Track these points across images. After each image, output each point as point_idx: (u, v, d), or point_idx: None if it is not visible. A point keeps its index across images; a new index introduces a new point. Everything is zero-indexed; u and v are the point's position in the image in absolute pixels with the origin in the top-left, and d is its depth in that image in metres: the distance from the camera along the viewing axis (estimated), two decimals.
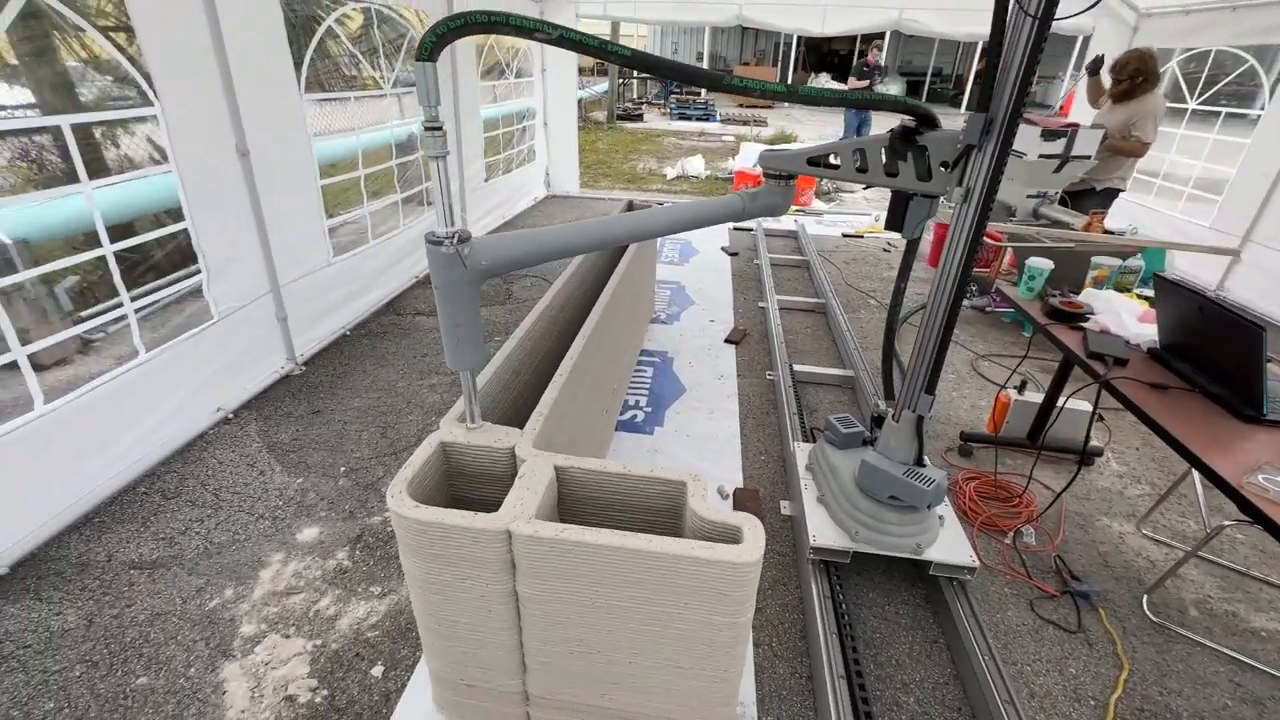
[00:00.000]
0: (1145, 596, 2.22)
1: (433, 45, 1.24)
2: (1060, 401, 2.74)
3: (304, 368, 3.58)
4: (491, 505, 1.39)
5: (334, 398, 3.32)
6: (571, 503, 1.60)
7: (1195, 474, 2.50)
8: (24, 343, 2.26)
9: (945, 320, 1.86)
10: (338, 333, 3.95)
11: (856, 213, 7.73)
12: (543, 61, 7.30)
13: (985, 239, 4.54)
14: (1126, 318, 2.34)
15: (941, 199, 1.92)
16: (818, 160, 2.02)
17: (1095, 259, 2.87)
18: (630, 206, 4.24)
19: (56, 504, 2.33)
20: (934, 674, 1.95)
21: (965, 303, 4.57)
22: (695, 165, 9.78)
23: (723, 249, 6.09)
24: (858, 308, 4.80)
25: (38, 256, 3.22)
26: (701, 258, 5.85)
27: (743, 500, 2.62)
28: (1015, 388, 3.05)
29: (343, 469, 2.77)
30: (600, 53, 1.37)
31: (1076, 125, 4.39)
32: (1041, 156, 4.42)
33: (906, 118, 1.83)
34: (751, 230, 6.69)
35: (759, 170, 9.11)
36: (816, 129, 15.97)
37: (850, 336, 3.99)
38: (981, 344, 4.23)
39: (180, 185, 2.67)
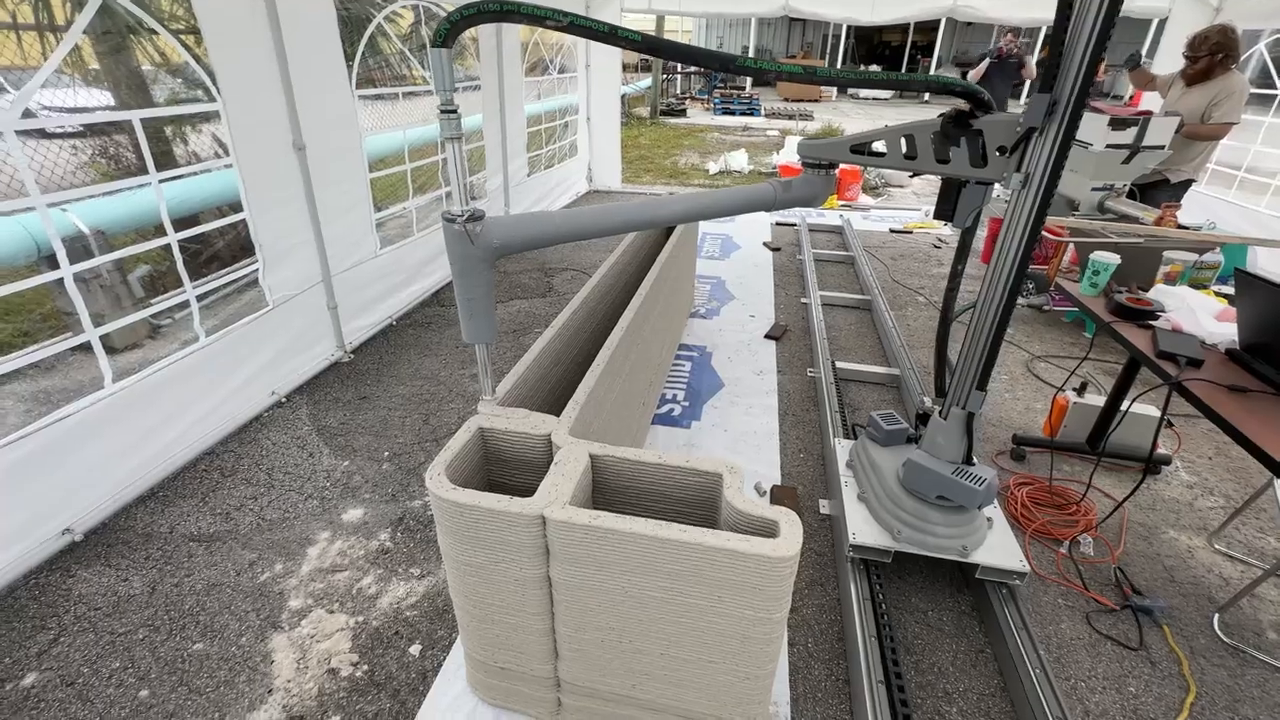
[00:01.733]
0: (1217, 615, 2.07)
1: (446, 32, 1.26)
2: (1124, 405, 2.58)
3: (352, 355, 3.71)
4: (527, 491, 1.40)
5: (380, 385, 3.42)
6: (606, 491, 1.59)
7: (1278, 485, 2.32)
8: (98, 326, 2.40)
9: (1000, 313, 1.77)
10: (384, 322, 4.07)
11: (905, 208, 7.48)
12: (587, 57, 7.33)
13: (1045, 234, 4.32)
14: (1202, 316, 2.18)
15: (998, 190, 1.83)
16: (862, 148, 1.95)
17: (1168, 254, 2.68)
18: None
19: (126, 478, 2.48)
20: (979, 685, 1.86)
21: (1021, 301, 4.38)
22: (738, 160, 9.65)
23: (764, 244, 5.99)
24: (905, 305, 4.65)
25: (114, 246, 3.44)
26: (743, 253, 5.77)
27: (780, 498, 2.57)
28: (1074, 389, 2.89)
29: (387, 454, 2.85)
30: (610, 38, 1.35)
31: (1149, 113, 4.13)
32: (1109, 147, 4.18)
33: (959, 101, 1.75)
34: (795, 225, 6.56)
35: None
36: (865, 123, 15.54)
37: (896, 334, 3.86)
38: (1038, 344, 4.03)
39: (240, 178, 2.79)
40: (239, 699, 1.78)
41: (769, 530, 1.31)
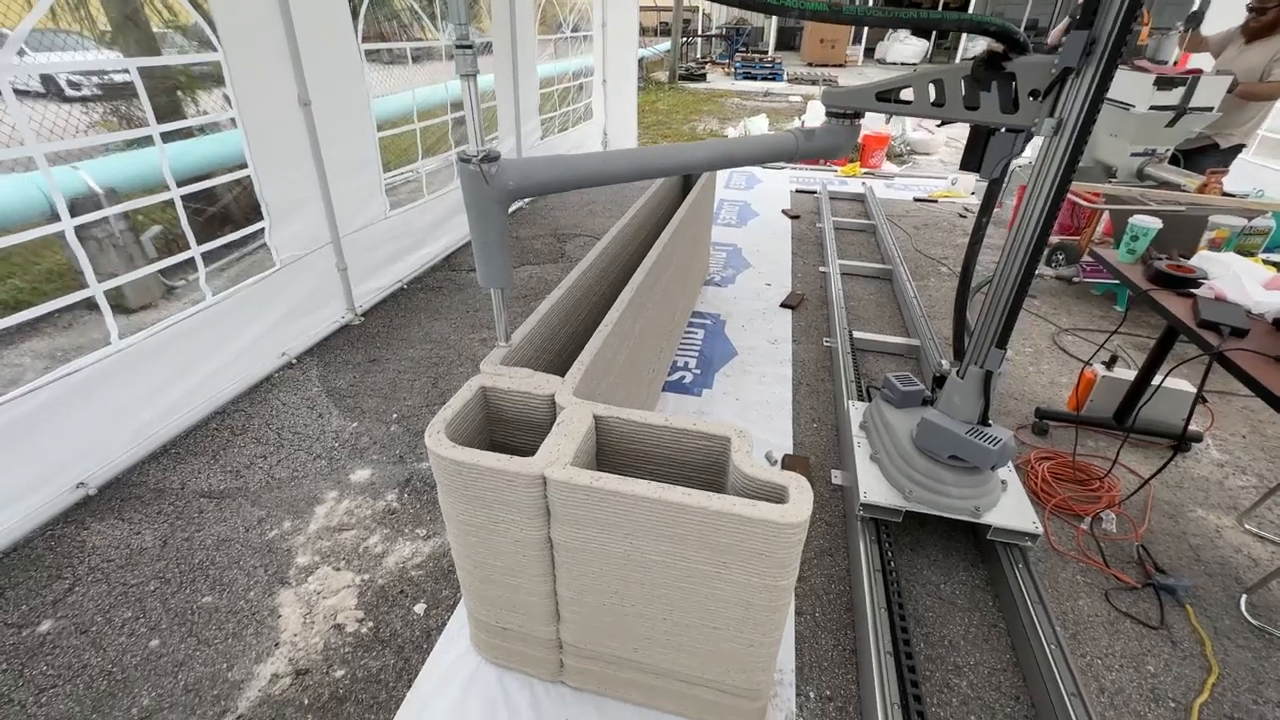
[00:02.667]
0: (1244, 596, 1.99)
1: None
2: (1157, 380, 2.47)
3: (363, 318, 3.69)
4: (530, 452, 1.36)
5: (389, 348, 3.40)
6: (610, 454, 1.55)
7: None
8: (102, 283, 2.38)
9: (1025, 265, 1.69)
10: (394, 286, 4.03)
11: (930, 176, 7.21)
12: (603, 17, 7.08)
13: (1079, 201, 4.13)
14: (1249, 284, 2.04)
15: (1026, 155, 1.71)
16: (888, 95, 1.84)
17: (1214, 219, 2.53)
18: None
19: (137, 434, 2.49)
20: (990, 659, 1.82)
21: (1049, 272, 4.22)
22: (758, 126, 9.36)
23: (783, 211, 5.82)
24: (927, 275, 4.50)
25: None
26: (760, 220, 5.62)
27: (791, 467, 2.51)
28: (1103, 363, 2.77)
29: (395, 416, 2.84)
30: None
31: (1198, 72, 3.87)
32: (1153, 109, 3.95)
33: (993, 43, 1.62)
34: (815, 193, 6.36)
35: None
36: None
37: (917, 304, 3.74)
38: (1065, 317, 3.88)
39: (243, 133, 2.73)
40: (246, 651, 1.80)
41: (778, 495, 1.26)
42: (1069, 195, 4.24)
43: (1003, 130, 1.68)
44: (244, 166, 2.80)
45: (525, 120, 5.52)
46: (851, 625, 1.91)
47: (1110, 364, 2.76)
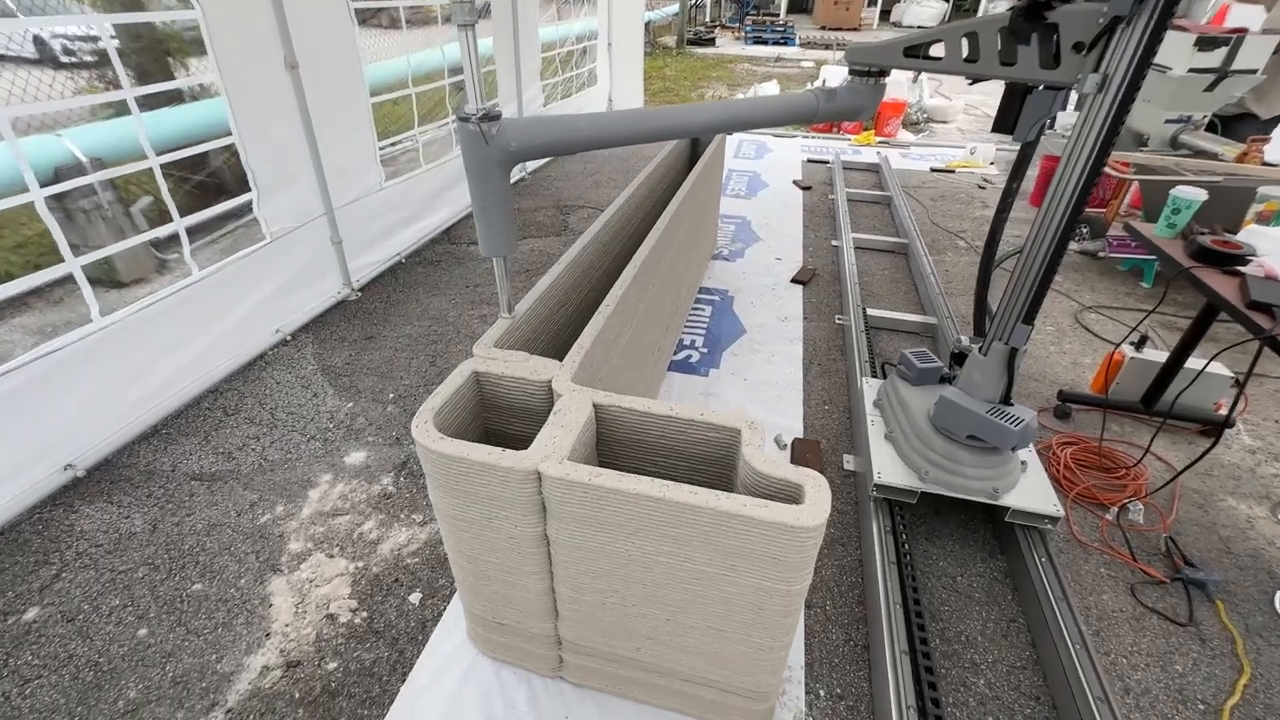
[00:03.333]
0: (1278, 592, 1.90)
1: None
2: (1202, 365, 2.33)
3: (360, 293, 3.58)
4: (526, 441, 1.26)
5: (387, 324, 3.30)
6: (611, 444, 1.45)
7: None
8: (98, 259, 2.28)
9: (1059, 236, 1.57)
10: (393, 259, 3.91)
11: (948, 145, 6.94)
12: None
13: (1107, 170, 3.92)
14: None
15: (1060, 123, 1.57)
16: (916, 50, 1.70)
17: (1263, 190, 2.35)
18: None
19: (127, 414, 2.42)
20: (1010, 656, 1.74)
21: (1074, 246, 4.03)
22: (769, 92, 9.03)
23: (795, 182, 5.62)
24: (944, 249, 4.32)
25: (116, 178, 3.30)
26: (771, 191, 5.42)
27: (801, 452, 2.42)
28: (1132, 344, 2.64)
29: (391, 395, 2.75)
30: None
31: (1243, 31, 3.63)
32: (1192, 71, 3.71)
33: None
34: (828, 163, 6.13)
35: None
36: None
37: (934, 280, 3.58)
38: (1089, 294, 3.72)
39: (226, 96, 2.58)
40: (236, 641, 1.74)
41: (791, 495, 1.16)
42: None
43: (1041, 88, 1.56)
44: (229, 134, 2.66)
45: (527, 86, 5.30)
46: (864, 619, 1.83)
47: (1140, 345, 2.62)
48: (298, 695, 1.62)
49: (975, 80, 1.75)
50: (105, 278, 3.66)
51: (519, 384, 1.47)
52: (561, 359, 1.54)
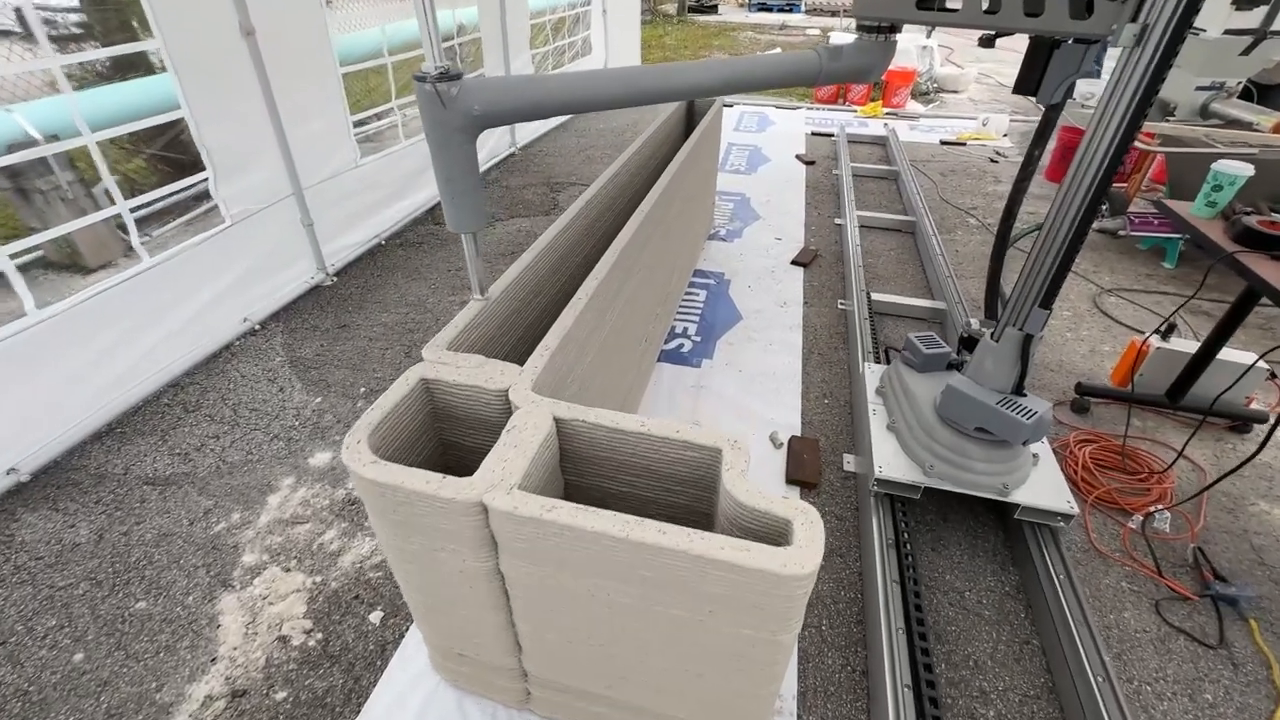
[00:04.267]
0: None
1: None
2: (1241, 358, 2.14)
3: (335, 278, 3.39)
4: (484, 455, 1.09)
5: (362, 312, 3.12)
6: (578, 461, 1.28)
7: None
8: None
9: (1083, 212, 1.42)
10: (372, 241, 3.71)
11: (959, 116, 6.63)
12: None
13: (1146, 146, 3.67)
14: None
15: (1082, 90, 1.37)
16: (931, 1, 1.51)
17: None
18: (691, 105, 3.65)
19: (76, 413, 2.26)
20: (1022, 683, 1.59)
21: (1096, 224, 3.79)
22: None
23: (797, 157, 5.35)
24: (954, 228, 4.09)
25: (71, 154, 3.09)
26: (772, 166, 5.17)
27: (799, 452, 2.25)
28: (1159, 332, 2.44)
29: (363, 389, 2.58)
30: None
31: None
32: (1228, 33, 3.43)
33: None
34: (832, 136, 5.85)
35: None
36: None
37: (943, 261, 3.37)
38: (1108, 275, 3.50)
39: (171, 66, 2.36)
40: (179, 667, 1.60)
41: (778, 533, 0.99)
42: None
43: (1070, 42, 1.38)
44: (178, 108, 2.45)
45: (515, 55, 5.02)
46: (863, 642, 1.68)
47: (1167, 334, 2.43)
48: None
49: (993, 40, 1.55)
50: (71, 262, 3.48)
51: (473, 393, 1.30)
52: (530, 359, 1.36)
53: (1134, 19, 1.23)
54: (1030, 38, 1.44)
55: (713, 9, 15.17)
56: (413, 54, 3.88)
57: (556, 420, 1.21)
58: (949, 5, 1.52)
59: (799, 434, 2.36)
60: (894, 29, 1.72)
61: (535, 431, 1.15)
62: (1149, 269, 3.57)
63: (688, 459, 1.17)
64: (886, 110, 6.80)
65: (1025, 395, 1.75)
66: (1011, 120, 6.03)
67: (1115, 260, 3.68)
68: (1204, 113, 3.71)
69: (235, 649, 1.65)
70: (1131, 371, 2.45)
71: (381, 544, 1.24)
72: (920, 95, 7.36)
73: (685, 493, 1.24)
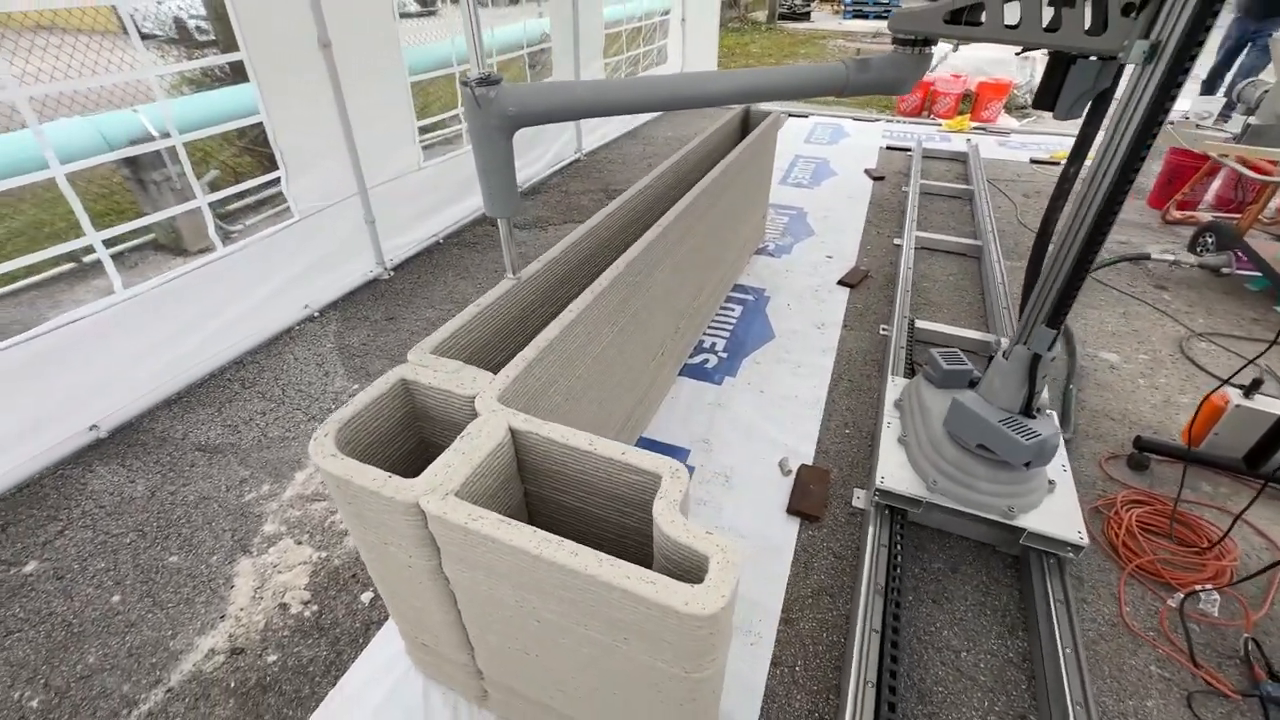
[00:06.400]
0: None
1: None
2: None
3: (392, 273, 3.61)
4: None
5: (410, 306, 3.31)
6: (536, 472, 1.30)
7: None
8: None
9: (1092, 225, 1.41)
10: (430, 240, 3.93)
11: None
12: None
13: (1243, 171, 3.26)
14: None
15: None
16: (959, 15, 1.50)
17: None
18: (747, 114, 3.60)
19: (149, 381, 2.55)
20: None
21: (1191, 259, 3.40)
22: None
23: (866, 171, 5.14)
24: (1026, 254, 3.77)
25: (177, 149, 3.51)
26: (837, 181, 4.99)
27: (805, 481, 2.17)
28: (1242, 387, 2.15)
29: None
30: None
31: None
32: None
33: None
34: (909, 151, 5.57)
35: (934, 76, 7.53)
36: None
37: (1003, 290, 3.13)
38: (1203, 318, 3.12)
39: (254, 75, 2.61)
40: (193, 619, 1.77)
41: (694, 569, 0.97)
42: (1233, 162, 3.36)
43: (1091, 59, 1.36)
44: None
45: (587, 64, 5.14)
46: (838, 690, 1.59)
47: (1252, 389, 2.13)
48: (233, 684, 1.62)
49: (1023, 50, 1.51)
50: (174, 245, 3.94)
51: (445, 397, 1.36)
52: (504, 369, 1.40)
53: (1145, 35, 1.23)
54: (1049, 53, 1.42)
55: (805, 16, 14.84)
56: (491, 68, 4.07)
57: (513, 431, 1.24)
58: (974, 18, 1.48)
59: (810, 463, 2.28)
60: (929, 42, 1.74)
61: (487, 440, 1.19)
62: (1256, 313, 3.15)
63: (631, 482, 1.17)
64: (975, 125, 6.39)
65: (1035, 417, 1.71)
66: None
67: (1216, 301, 3.27)
68: None
69: (242, 610, 1.80)
70: (1204, 429, 2.18)
71: (348, 529, 1.32)
72: (1016, 109, 6.86)
73: (634, 515, 1.23)
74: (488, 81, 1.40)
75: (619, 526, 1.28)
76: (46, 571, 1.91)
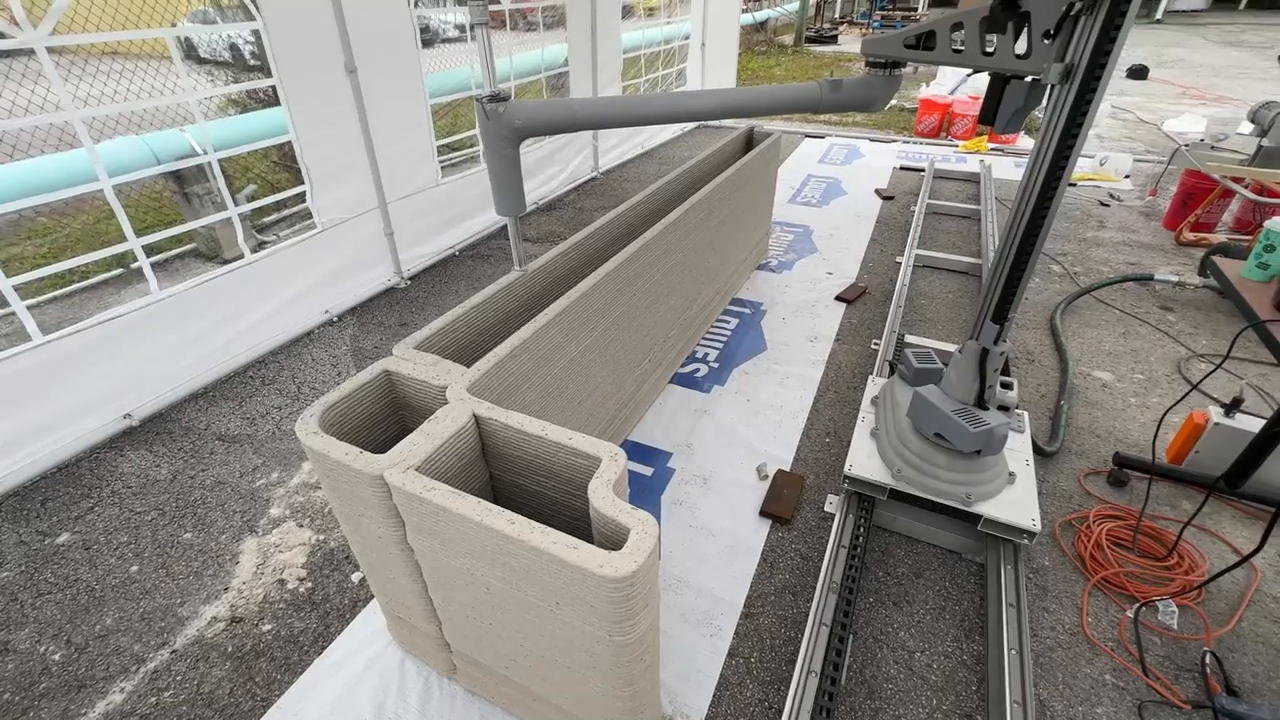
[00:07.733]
0: None
1: None
2: None
3: (409, 282, 3.82)
4: None
5: (422, 313, 3.50)
6: (499, 457, 1.43)
7: None
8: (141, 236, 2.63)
9: (1023, 233, 1.57)
10: (446, 252, 4.14)
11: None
12: None
13: (1246, 192, 3.25)
14: None
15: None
16: (915, 42, 1.66)
17: None
18: (750, 137, 3.73)
19: (178, 376, 2.77)
20: None
21: (1195, 280, 3.37)
22: None
23: (876, 191, 5.21)
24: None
25: (221, 164, 3.82)
26: (847, 200, 5.07)
27: (779, 486, 2.24)
28: (1222, 405, 2.15)
29: None
30: None
31: None
32: None
33: None
34: (921, 171, 5.61)
35: (952, 98, 7.56)
36: None
37: None
38: (1206, 339, 3.08)
39: (285, 99, 2.86)
40: (200, 590, 1.94)
41: (617, 537, 1.07)
42: (1245, 186, 3.34)
43: (1025, 79, 1.49)
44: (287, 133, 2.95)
45: (604, 88, 5.36)
46: (789, 682, 1.65)
47: (1231, 407, 2.13)
48: (230, 649, 1.77)
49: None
50: (212, 254, 4.23)
51: (421, 387, 1.49)
52: (477, 364, 1.54)
53: (1060, 59, 1.35)
54: (989, 74, 1.55)
55: (832, 39, 14.99)
56: (501, 87, 4.31)
57: (477, 417, 1.37)
58: (930, 44, 1.64)
59: (788, 469, 2.35)
60: (897, 65, 1.90)
61: (451, 424, 1.32)
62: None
63: (578, 465, 1.28)
64: (993, 146, 6.39)
65: (987, 409, 1.83)
66: (1136, 160, 5.45)
67: (1222, 322, 3.22)
68: None
69: (244, 583, 1.96)
70: (1184, 447, 2.18)
71: (330, 504, 1.46)
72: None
73: (581, 496, 1.33)
74: (497, 98, 1.64)
75: (571, 509, 1.39)
76: (76, 542, 2.11)
